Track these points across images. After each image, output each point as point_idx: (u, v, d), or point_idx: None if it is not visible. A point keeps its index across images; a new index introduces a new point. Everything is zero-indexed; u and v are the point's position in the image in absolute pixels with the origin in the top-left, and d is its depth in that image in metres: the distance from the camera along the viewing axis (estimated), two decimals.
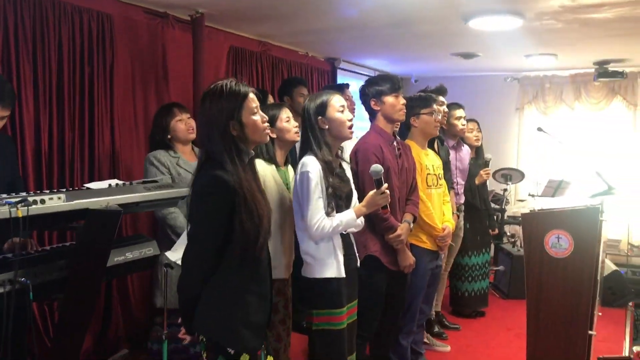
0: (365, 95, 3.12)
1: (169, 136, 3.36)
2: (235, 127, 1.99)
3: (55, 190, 2.28)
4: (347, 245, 2.65)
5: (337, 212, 2.53)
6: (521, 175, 6.23)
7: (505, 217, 6.16)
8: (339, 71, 6.61)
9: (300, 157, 2.64)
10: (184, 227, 3.10)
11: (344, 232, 2.62)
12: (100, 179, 3.72)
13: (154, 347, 3.25)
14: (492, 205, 5.59)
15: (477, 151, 4.98)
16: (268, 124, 2.10)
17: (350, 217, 2.53)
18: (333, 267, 2.51)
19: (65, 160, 3.53)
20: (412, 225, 3.14)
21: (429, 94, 3.43)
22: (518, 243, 6.15)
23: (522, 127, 7.48)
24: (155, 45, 4.21)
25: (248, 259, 2.00)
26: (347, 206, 2.62)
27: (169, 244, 2.96)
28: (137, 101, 4.08)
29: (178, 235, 3.07)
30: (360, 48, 5.96)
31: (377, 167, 2.55)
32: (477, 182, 4.79)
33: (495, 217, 5.50)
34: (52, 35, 3.41)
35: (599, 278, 2.96)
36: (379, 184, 2.56)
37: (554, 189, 5.83)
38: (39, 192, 2.32)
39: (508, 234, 6.44)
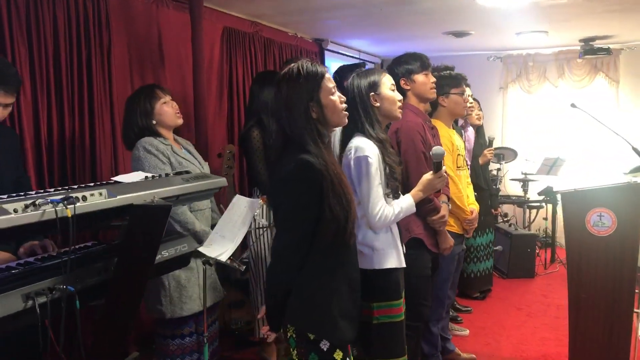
0: (394, 74, 2.95)
1: (153, 121, 2.89)
2: (314, 109, 1.90)
3: (92, 185, 2.04)
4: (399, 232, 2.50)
5: (393, 194, 2.38)
6: (514, 154, 6.22)
7: (499, 197, 6.14)
8: (326, 52, 6.42)
9: (345, 136, 2.46)
10: (194, 222, 2.84)
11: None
12: (102, 171, 3.48)
13: None
14: None
15: (479, 130, 4.90)
16: (346, 105, 1.97)
17: (410, 203, 2.38)
18: (393, 257, 2.36)
19: (66, 152, 3.25)
20: (449, 205, 3.04)
21: (459, 73, 3.30)
22: (514, 222, 6.15)
23: (507, 106, 7.49)
24: (151, 26, 3.95)
25: (338, 246, 1.91)
26: (400, 187, 2.48)
27: None
28: (134, 86, 3.79)
29: (188, 231, 2.82)
30: (349, 28, 5.79)
31: (439, 149, 2.39)
32: (481, 161, 4.72)
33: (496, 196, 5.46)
34: (47, 18, 3.11)
35: None
36: (437, 167, 2.40)
37: (549, 166, 5.84)
38: (68, 188, 2.08)
39: (501, 213, 6.44)
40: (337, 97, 1.95)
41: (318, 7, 4.72)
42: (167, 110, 2.92)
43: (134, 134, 2.87)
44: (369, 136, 2.37)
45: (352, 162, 2.33)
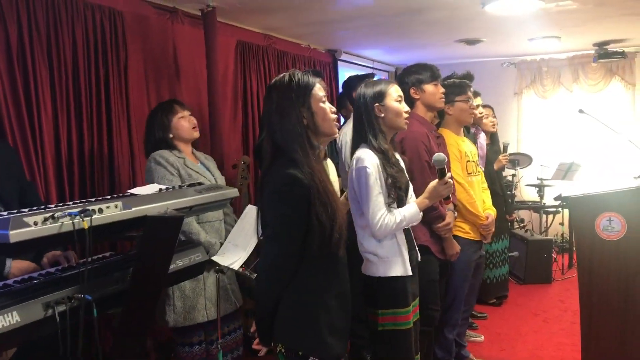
0: (404, 83, 3.03)
1: (170, 135, 3.07)
2: (305, 116, 1.92)
3: (109, 197, 2.13)
4: (409, 240, 2.53)
5: (397, 204, 2.42)
6: (529, 160, 6.21)
7: (514, 203, 6.14)
8: (339, 63, 6.50)
9: (354, 147, 2.51)
10: (199, 232, 2.92)
11: (406, 227, 2.51)
12: (120, 184, 3.58)
13: None
14: None
15: (492, 137, 4.92)
16: (336, 115, 2.02)
17: (414, 211, 2.41)
18: (398, 264, 2.39)
19: (85, 166, 3.35)
20: (455, 213, 3.08)
21: (463, 80, 3.35)
22: (531, 227, 6.13)
23: (522, 112, 7.49)
24: (166, 42, 4.05)
25: (326, 257, 1.91)
26: (406, 197, 2.52)
27: None
28: (151, 101, 3.91)
29: (193, 242, 2.88)
30: (362, 38, 5.86)
31: (440, 155, 2.42)
32: (496, 167, 4.74)
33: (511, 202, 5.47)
34: (67, 34, 3.22)
35: None
36: (442, 174, 2.43)
37: (564, 172, 5.83)
38: (86, 201, 2.17)
39: (517, 219, 6.43)
40: (328, 106, 1.97)
41: (331, 19, 4.80)
42: (184, 124, 3.09)
43: (151, 146, 3.05)
44: (371, 146, 2.41)
45: (354, 174, 2.38)
